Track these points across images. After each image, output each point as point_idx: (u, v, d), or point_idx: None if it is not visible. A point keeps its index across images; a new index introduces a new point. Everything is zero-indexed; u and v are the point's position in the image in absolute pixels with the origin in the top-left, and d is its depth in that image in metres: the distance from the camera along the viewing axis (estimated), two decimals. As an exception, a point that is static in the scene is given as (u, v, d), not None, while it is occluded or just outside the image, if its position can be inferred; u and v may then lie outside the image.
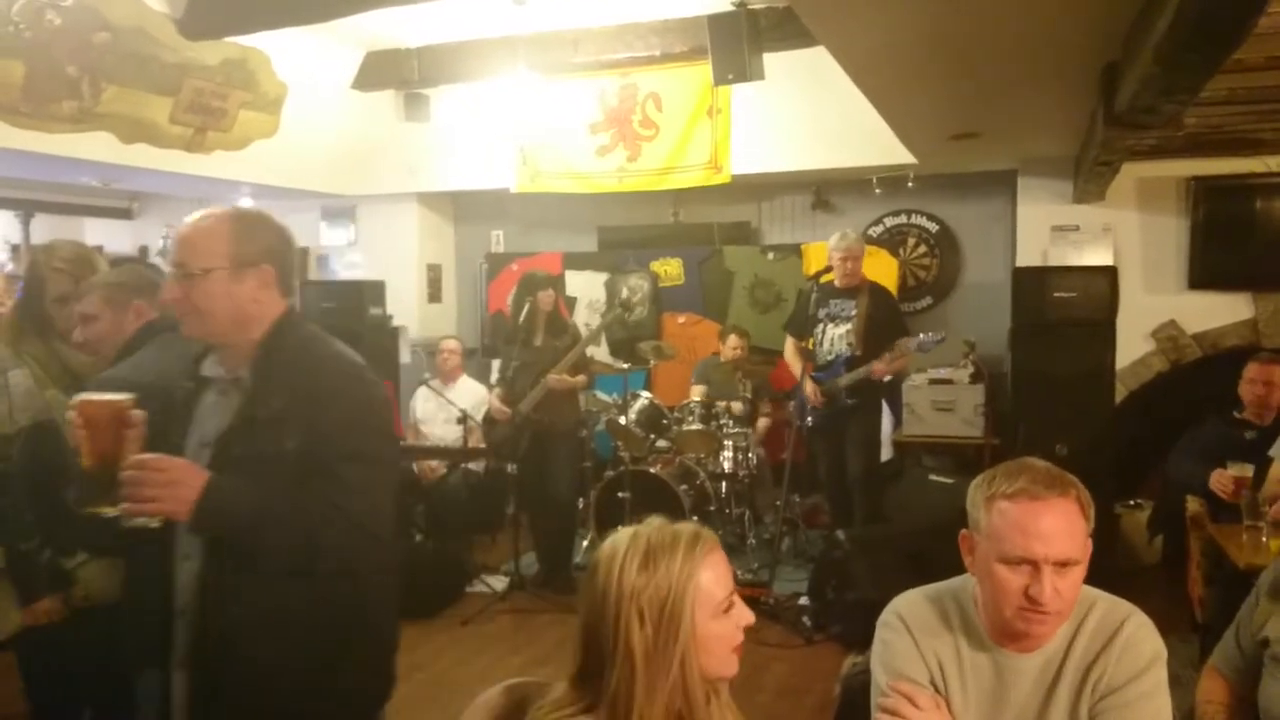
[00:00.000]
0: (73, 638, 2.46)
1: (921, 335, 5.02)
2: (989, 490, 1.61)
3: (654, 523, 1.41)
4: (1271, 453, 3.59)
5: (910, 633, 1.71)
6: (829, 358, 5.22)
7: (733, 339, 6.23)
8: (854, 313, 5.17)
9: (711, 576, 1.37)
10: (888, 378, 5.20)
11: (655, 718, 1.32)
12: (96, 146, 5.25)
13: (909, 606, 1.75)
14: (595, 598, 1.35)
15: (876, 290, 5.28)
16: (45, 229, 7.71)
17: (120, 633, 2.26)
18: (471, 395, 6.05)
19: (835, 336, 5.22)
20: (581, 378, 5.33)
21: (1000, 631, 1.64)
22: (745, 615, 1.42)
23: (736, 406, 5.95)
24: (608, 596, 1.33)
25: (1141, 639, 1.61)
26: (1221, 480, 3.74)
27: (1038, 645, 1.64)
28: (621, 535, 1.39)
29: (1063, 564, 1.54)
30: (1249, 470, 3.54)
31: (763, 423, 6.21)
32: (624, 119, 6.47)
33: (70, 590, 2.44)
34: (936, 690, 1.68)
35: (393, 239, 7.62)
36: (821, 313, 5.24)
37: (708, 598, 1.36)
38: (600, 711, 1.33)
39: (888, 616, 1.76)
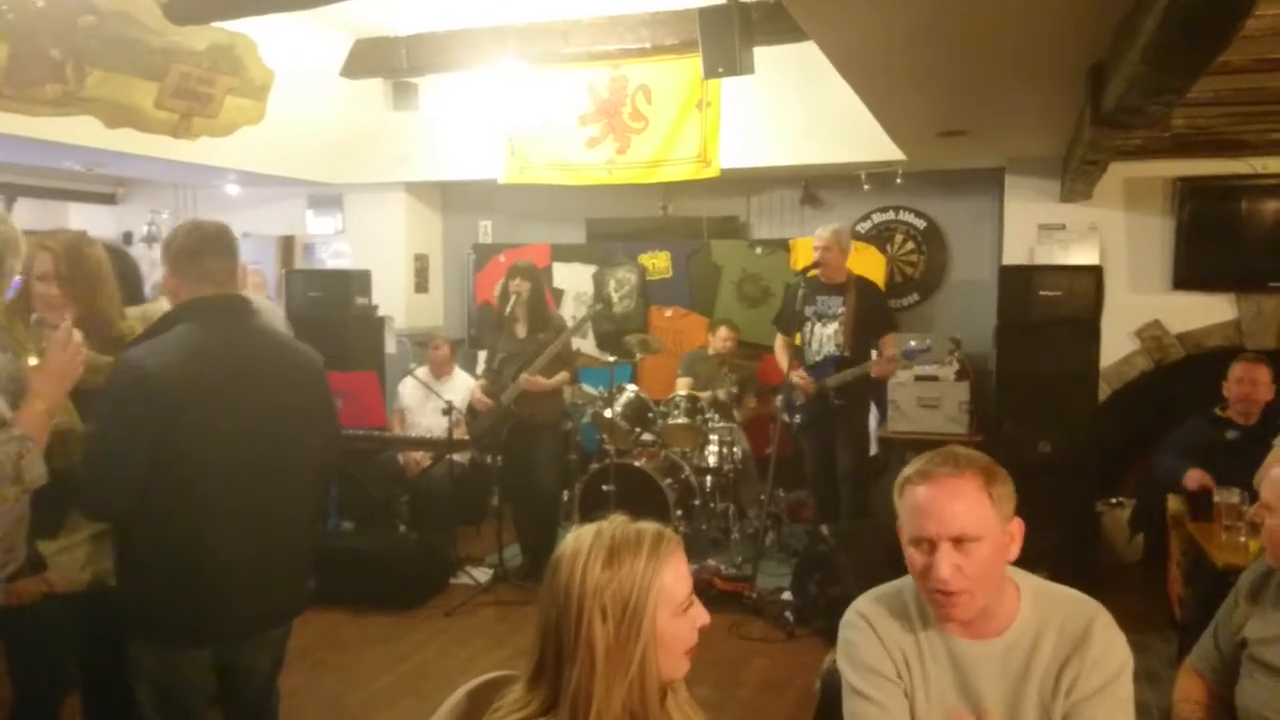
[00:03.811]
0: (60, 618, 2.49)
1: (912, 342, 5.04)
2: (900, 479, 1.67)
3: (617, 520, 1.41)
4: (1277, 441, 3.60)
5: (873, 629, 1.73)
6: (817, 358, 5.22)
7: (722, 331, 6.24)
8: (841, 311, 5.17)
9: (674, 576, 1.37)
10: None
11: (612, 716, 1.31)
12: (80, 131, 5.19)
13: (868, 605, 1.78)
14: (557, 594, 1.35)
15: (864, 286, 5.27)
16: (28, 213, 7.64)
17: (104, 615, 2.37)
18: (464, 387, 6.03)
19: (824, 337, 5.21)
20: (563, 375, 5.31)
21: (941, 617, 1.67)
22: (702, 616, 1.42)
23: (722, 394, 5.96)
24: (570, 593, 1.33)
25: (1112, 643, 1.63)
26: (1191, 477, 3.79)
27: (990, 630, 1.67)
28: (585, 532, 1.39)
29: (958, 540, 1.58)
30: (1235, 496, 3.56)
31: (747, 415, 6.22)
32: (614, 111, 6.46)
33: (46, 574, 2.45)
34: (902, 683, 1.70)
35: (380, 228, 7.58)
36: (809, 310, 5.24)
37: (670, 597, 1.36)
38: (560, 710, 1.33)
39: (850, 617, 1.79)
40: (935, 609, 1.65)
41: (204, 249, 2.38)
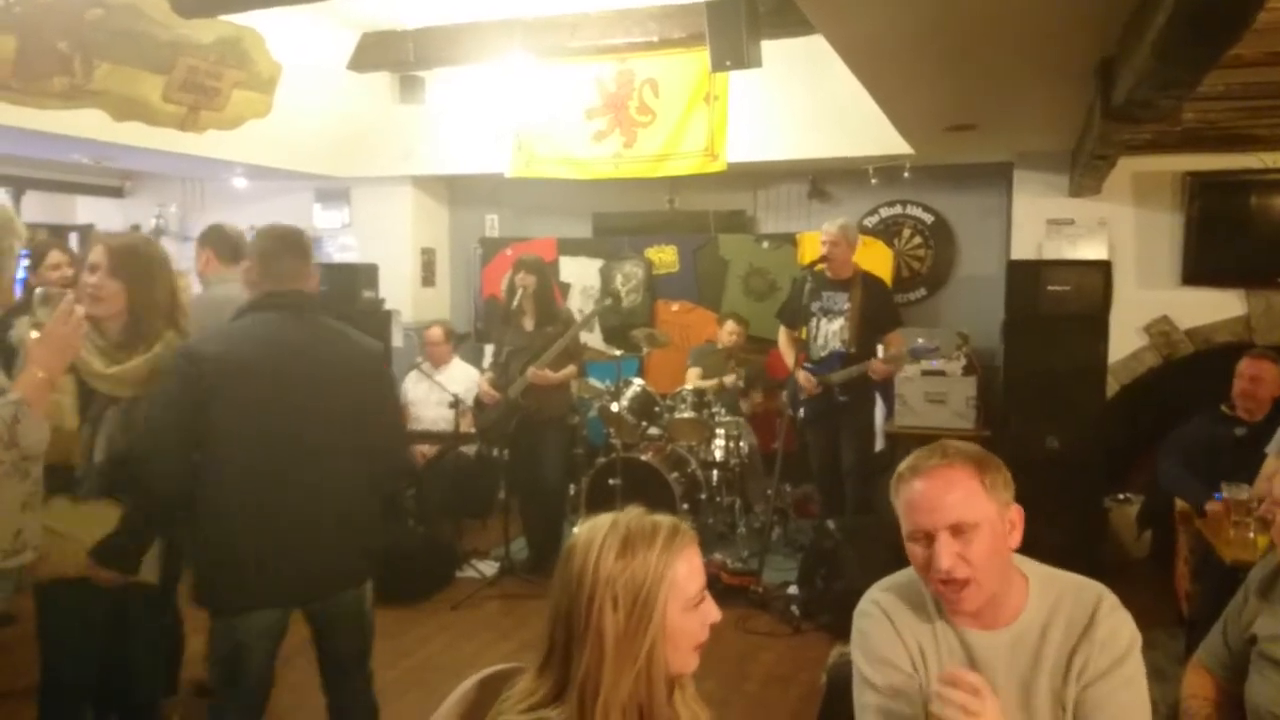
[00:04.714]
0: (96, 612, 2.59)
1: (920, 340, 5.02)
2: (894, 477, 1.67)
3: (633, 512, 1.41)
4: (1268, 449, 3.59)
5: (889, 619, 1.72)
6: (823, 353, 5.20)
7: (730, 324, 6.24)
8: (847, 307, 5.14)
9: (687, 570, 1.37)
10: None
11: (618, 706, 1.32)
12: (88, 124, 5.20)
13: (884, 594, 1.77)
14: (570, 581, 1.36)
15: (870, 282, 5.25)
16: (36, 206, 7.66)
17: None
18: (464, 379, 6.03)
19: (829, 333, 5.19)
20: (571, 368, 5.32)
21: (951, 610, 1.67)
22: (713, 613, 1.42)
23: (728, 380, 5.96)
24: (583, 580, 1.34)
25: (1119, 623, 1.63)
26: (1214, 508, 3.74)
27: (1000, 621, 1.66)
28: (601, 521, 1.40)
29: (957, 530, 1.57)
30: (1244, 492, 3.53)
31: (754, 408, 6.21)
32: (621, 105, 6.44)
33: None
34: (917, 676, 1.69)
35: (387, 222, 7.58)
36: (815, 305, 5.22)
37: (681, 590, 1.36)
38: (568, 698, 1.33)
39: (865, 606, 1.78)
40: (945, 603, 1.66)
41: (280, 250, 2.67)
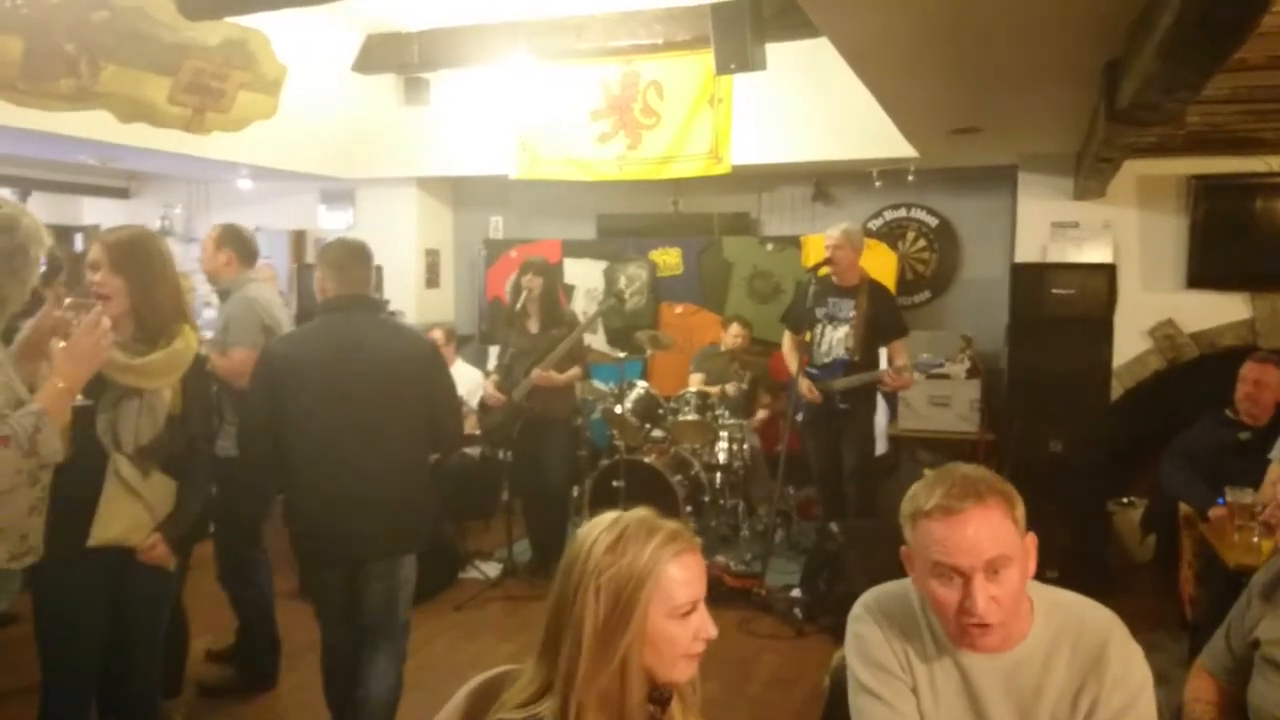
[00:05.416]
0: (95, 612, 2.60)
1: (924, 356, 5.02)
2: (912, 508, 1.60)
3: (642, 512, 1.41)
4: (1271, 455, 3.58)
5: (880, 627, 1.70)
6: (826, 360, 5.18)
7: (735, 327, 6.24)
8: (852, 315, 5.12)
9: (678, 577, 1.36)
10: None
11: (592, 701, 1.32)
12: (94, 125, 5.21)
13: (877, 602, 1.75)
14: (564, 570, 1.38)
15: (876, 291, 5.22)
16: (42, 207, 7.68)
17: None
18: (466, 380, 6.04)
19: (834, 340, 5.16)
20: (575, 370, 5.32)
21: (965, 645, 1.63)
22: (707, 628, 1.39)
23: (731, 388, 5.96)
24: (573, 570, 1.35)
25: (1130, 659, 1.58)
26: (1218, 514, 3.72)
27: (1000, 646, 1.62)
28: (606, 516, 1.41)
29: (992, 567, 1.53)
30: (1248, 496, 3.52)
31: (760, 414, 6.22)
32: (625, 107, 6.45)
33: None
34: (907, 679, 1.67)
35: (392, 224, 7.58)
36: (820, 311, 5.18)
37: (666, 596, 1.35)
38: (555, 689, 1.34)
39: (858, 611, 1.76)
40: (959, 636, 1.59)
41: (350, 261, 3.09)
